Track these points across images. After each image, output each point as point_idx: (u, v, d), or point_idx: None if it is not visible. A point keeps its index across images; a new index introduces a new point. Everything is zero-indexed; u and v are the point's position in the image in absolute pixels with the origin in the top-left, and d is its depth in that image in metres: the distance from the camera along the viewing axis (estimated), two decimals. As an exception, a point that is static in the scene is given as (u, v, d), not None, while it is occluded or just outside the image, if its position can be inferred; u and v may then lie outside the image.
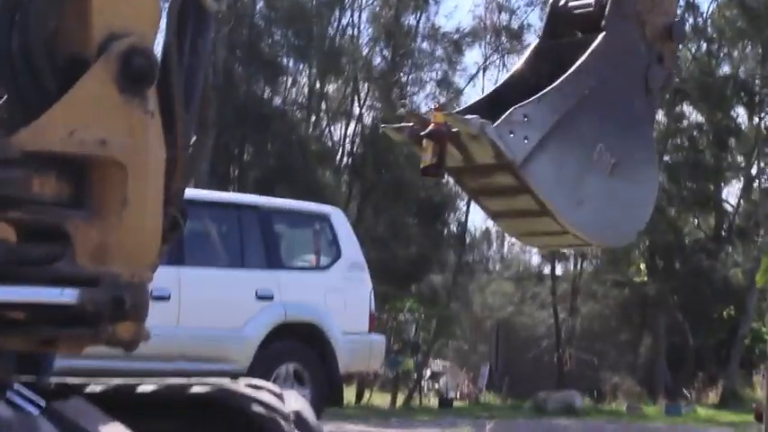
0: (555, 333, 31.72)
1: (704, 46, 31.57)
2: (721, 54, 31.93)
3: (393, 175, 27.40)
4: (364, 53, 29.77)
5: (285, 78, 29.83)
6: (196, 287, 10.83)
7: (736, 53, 32.07)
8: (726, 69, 31.96)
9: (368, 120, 30.05)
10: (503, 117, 4.05)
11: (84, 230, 3.12)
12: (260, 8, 28.80)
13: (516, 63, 4.99)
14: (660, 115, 28.41)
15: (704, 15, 31.45)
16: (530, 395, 24.21)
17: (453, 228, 31.02)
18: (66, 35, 3.20)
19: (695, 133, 31.50)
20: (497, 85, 4.89)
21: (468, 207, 29.51)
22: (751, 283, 24.02)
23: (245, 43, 27.78)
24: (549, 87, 4.23)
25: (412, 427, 17.58)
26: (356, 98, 30.03)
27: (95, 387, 3.81)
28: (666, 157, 30.46)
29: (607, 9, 4.44)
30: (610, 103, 4.46)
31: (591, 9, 4.51)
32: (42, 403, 3.26)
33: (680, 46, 5.13)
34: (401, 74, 30.43)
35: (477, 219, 35.83)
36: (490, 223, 34.20)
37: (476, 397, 26.13)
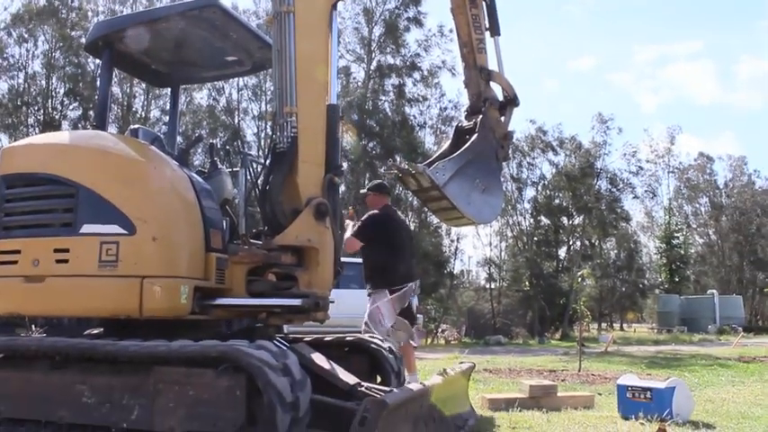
0: (492, 311, 39.90)
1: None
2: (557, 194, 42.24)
3: (423, 250, 32.53)
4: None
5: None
6: (344, 297, 12.14)
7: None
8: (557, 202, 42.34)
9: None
10: (433, 166, 6.00)
11: (302, 275, 4.67)
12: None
13: (443, 146, 6.67)
14: (533, 221, 42.08)
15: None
16: (482, 338, 31.06)
17: (449, 269, 37.62)
18: (288, 199, 4.89)
19: (546, 228, 42.58)
20: (435, 155, 6.56)
21: (454, 261, 38.82)
22: (571, 288, 35.84)
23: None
24: (454, 155, 6.16)
25: (435, 353, 20.28)
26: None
27: (307, 338, 5.42)
28: (535, 239, 42.01)
29: (478, 125, 6.44)
30: (481, 163, 6.29)
31: (473, 125, 6.49)
32: (287, 345, 4.53)
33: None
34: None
35: (458, 265, 41.34)
36: (465, 267, 45.02)
37: (460, 339, 32.01)
